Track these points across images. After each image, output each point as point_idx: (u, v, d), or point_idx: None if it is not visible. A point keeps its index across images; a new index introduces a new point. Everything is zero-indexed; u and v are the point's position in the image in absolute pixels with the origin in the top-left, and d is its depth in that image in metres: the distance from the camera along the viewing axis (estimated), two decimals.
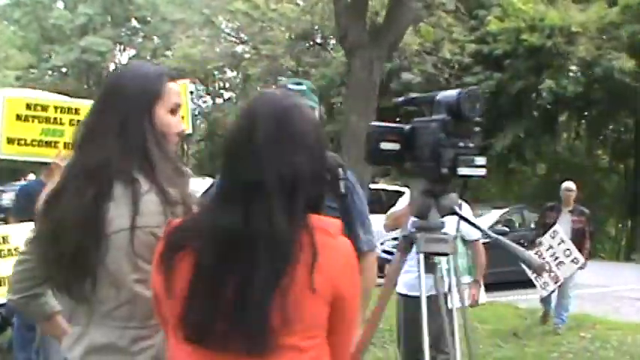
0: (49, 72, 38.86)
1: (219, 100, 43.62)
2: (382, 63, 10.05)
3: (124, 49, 42.90)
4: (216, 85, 42.85)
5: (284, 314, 1.72)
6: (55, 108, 5.64)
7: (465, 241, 6.35)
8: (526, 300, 11.50)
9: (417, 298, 6.38)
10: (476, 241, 6.44)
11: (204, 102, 43.84)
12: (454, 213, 2.40)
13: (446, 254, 2.41)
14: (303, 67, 27.85)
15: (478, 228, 3.03)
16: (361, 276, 2.95)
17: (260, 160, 1.83)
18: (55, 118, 5.60)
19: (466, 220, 2.61)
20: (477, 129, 2.29)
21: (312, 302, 1.77)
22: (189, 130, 6.79)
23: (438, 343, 6.21)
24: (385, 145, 2.31)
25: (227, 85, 43.14)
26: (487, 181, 30.56)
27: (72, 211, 2.10)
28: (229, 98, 42.85)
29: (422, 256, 2.37)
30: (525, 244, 9.69)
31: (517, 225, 15.86)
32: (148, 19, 39.32)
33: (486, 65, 22.12)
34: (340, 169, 3.31)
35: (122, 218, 2.08)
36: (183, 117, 7.12)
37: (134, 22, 41.57)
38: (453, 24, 21.02)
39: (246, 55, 31.19)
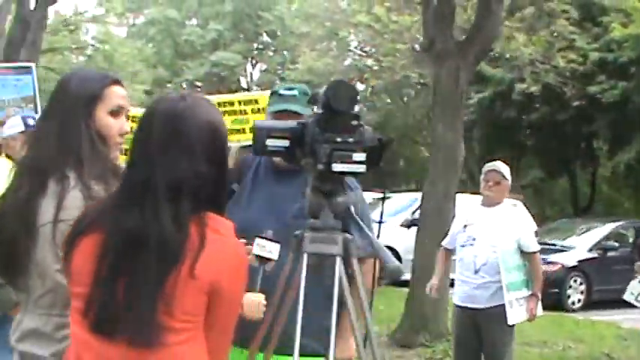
0: (183, 86, 40.21)
1: None
2: (469, 73, 9.83)
3: (255, 63, 43.94)
4: None
5: (168, 307, 1.84)
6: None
7: (522, 253, 6.12)
8: (632, 320, 10.90)
9: (472, 310, 6.22)
10: (534, 253, 6.19)
11: None
12: (348, 214, 2.30)
13: (332, 255, 2.25)
14: (424, 79, 27.62)
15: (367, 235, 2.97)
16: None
17: (150, 161, 1.94)
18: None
19: (356, 220, 2.65)
20: (355, 122, 2.18)
21: (192, 289, 1.86)
22: None
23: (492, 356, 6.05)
24: (271, 142, 2.25)
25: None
26: (619, 194, 29.33)
27: (11, 205, 2.33)
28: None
29: (305, 256, 2.27)
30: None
31: (630, 240, 15.07)
32: (278, 33, 40.03)
33: (610, 74, 21.16)
34: None
35: (48, 212, 2.26)
36: None
37: (264, 37, 42.44)
38: (576, 32, 20.34)
39: (374, 68, 31.37)
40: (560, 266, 13.83)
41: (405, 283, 10.15)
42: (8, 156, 5.46)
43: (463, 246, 6.29)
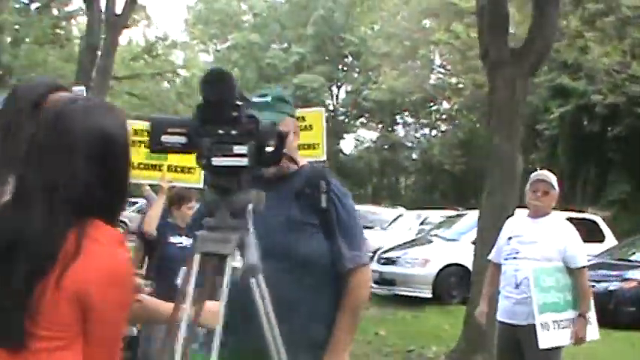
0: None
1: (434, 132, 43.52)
2: (525, 82, 9.47)
3: (340, 85, 44.14)
4: (433, 116, 42.78)
5: (34, 314, 1.77)
6: None
7: (569, 270, 5.71)
8: None
9: (513, 327, 5.85)
10: (580, 269, 5.75)
11: (420, 134, 43.89)
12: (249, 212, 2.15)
13: (224, 255, 2.12)
14: None
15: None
16: (348, 295, 3.05)
17: (30, 163, 1.89)
18: None
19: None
20: (235, 113, 2.03)
21: (58, 299, 1.78)
22: (324, 157, 6.94)
23: None
24: (167, 138, 2.10)
25: (444, 116, 42.91)
26: None
27: None
28: (445, 130, 42.60)
29: (197, 256, 2.12)
30: None
31: None
32: (361, 54, 40.14)
33: None
34: (323, 182, 3.08)
35: None
36: (318, 143, 7.31)
37: (346, 57, 42.59)
38: None
39: (459, 85, 31.09)
40: (637, 283, 13.13)
41: None
42: None
43: (506, 259, 5.97)
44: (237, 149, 2.03)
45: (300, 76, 38.22)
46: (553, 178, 5.87)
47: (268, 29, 42.00)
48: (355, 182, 42.00)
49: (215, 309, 2.95)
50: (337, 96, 45.35)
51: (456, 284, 13.86)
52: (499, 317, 5.96)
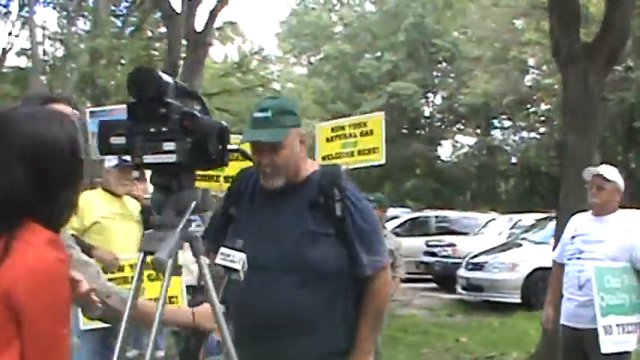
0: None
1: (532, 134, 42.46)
2: (600, 78, 9.11)
3: (435, 91, 43.74)
4: (531, 119, 41.79)
5: None
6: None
7: (637, 271, 5.42)
8: None
9: (576, 330, 5.59)
10: None
11: (518, 137, 42.94)
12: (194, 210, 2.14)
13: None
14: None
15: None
16: (369, 300, 3.06)
17: None
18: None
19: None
20: (164, 110, 2.01)
21: None
22: (383, 161, 6.97)
23: None
24: (115, 140, 2.12)
25: (542, 118, 41.84)
26: None
27: None
28: (544, 133, 41.53)
29: (141, 255, 2.13)
30: None
31: None
32: (454, 58, 39.68)
33: None
34: (337, 190, 3.05)
35: None
36: (378, 148, 7.38)
37: (440, 63, 42.17)
38: None
39: (555, 86, 30.34)
40: None
41: None
42: (105, 189, 5.81)
43: (570, 259, 5.74)
44: (166, 146, 2.02)
45: (394, 84, 38.03)
46: (608, 172, 5.59)
47: (359, 39, 42.09)
48: (454, 188, 41.48)
49: (210, 311, 2.98)
50: (433, 102, 44.99)
51: (545, 289, 13.37)
52: (562, 321, 5.71)
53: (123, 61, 28.57)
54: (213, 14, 16.36)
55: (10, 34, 33.80)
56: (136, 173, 6.06)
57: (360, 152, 7.24)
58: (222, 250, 3.04)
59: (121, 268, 5.34)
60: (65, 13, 30.75)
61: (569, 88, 9.07)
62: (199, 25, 15.80)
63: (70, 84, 24.23)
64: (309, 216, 3.04)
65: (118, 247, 5.49)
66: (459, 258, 15.62)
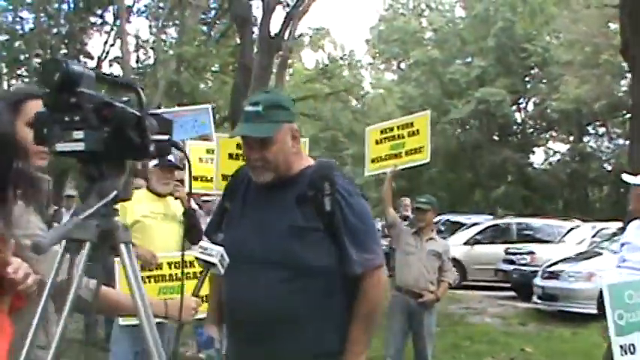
0: (448, 126, 40.27)
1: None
2: None
3: (527, 97, 42.85)
4: (627, 125, 40.44)
5: None
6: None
7: None
8: None
9: None
10: None
11: (613, 144, 41.62)
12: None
13: (81, 240, 2.08)
14: None
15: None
16: (361, 300, 2.96)
17: None
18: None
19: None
20: (74, 100, 2.01)
21: None
22: (428, 159, 6.92)
23: None
24: (45, 130, 2.14)
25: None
26: None
27: None
28: None
29: (64, 242, 2.10)
30: None
31: None
32: (545, 63, 38.79)
33: None
34: (327, 184, 2.98)
35: None
36: (423, 147, 7.33)
37: (532, 69, 41.28)
38: None
39: None
40: None
41: None
42: (149, 189, 5.91)
43: (618, 267, 5.56)
44: (76, 134, 2.02)
45: (483, 89, 37.46)
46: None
47: (449, 44, 41.67)
48: (545, 196, 40.50)
49: (186, 304, 2.92)
50: (524, 108, 44.09)
51: None
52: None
53: (214, 68, 29.25)
54: (287, 20, 16.49)
55: (105, 43, 35.08)
56: (181, 174, 6.11)
57: (407, 152, 7.19)
58: (201, 243, 3.07)
59: (159, 266, 5.41)
60: (156, 22, 31.55)
61: (636, 90, 8.69)
62: (275, 30, 15.95)
63: (159, 90, 24.82)
64: (298, 210, 2.97)
65: (158, 246, 5.54)
66: (537, 266, 15.18)
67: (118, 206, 2.16)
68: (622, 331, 4.82)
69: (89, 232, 2.08)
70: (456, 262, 19.60)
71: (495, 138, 42.62)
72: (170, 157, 5.95)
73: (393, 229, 7.48)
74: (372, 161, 7.34)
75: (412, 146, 7.18)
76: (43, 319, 2.28)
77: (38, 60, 33.24)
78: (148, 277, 5.38)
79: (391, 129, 7.36)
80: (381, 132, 7.38)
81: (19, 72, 33.84)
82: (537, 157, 44.75)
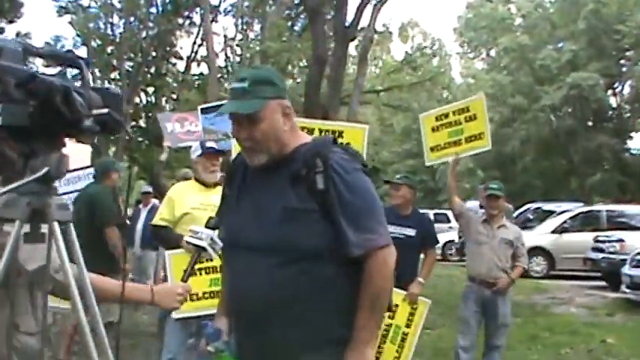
0: (540, 113, 39.34)
1: None
2: None
3: (623, 81, 41.41)
4: None
5: None
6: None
7: None
8: None
9: None
10: None
11: None
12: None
13: (9, 220, 2.09)
14: None
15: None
16: (364, 284, 2.76)
17: None
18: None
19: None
20: None
21: None
22: (489, 146, 6.84)
23: None
24: None
25: None
26: None
27: None
28: None
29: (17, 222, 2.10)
30: None
31: None
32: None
33: None
34: (319, 161, 2.77)
35: None
36: (483, 133, 7.25)
37: (628, 51, 39.80)
38: None
39: None
40: None
41: None
42: (197, 180, 5.98)
43: None
44: None
45: (574, 74, 36.34)
46: None
47: (538, 29, 40.64)
48: None
49: (172, 290, 2.95)
50: (620, 92, 42.63)
51: None
52: None
53: (301, 64, 29.46)
54: (361, 9, 16.46)
55: (194, 43, 35.86)
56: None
57: (467, 139, 7.04)
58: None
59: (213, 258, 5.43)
60: (241, 19, 32.03)
61: None
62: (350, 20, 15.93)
63: None
64: (292, 191, 2.79)
65: None
66: (627, 254, 14.70)
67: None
68: None
69: (19, 211, 2.04)
70: (544, 251, 19.26)
71: (590, 124, 41.33)
72: (211, 144, 6.01)
73: (462, 218, 7.35)
74: (432, 150, 7.19)
75: (471, 132, 7.03)
76: (29, 305, 2.34)
77: (130, 63, 34.30)
78: (199, 269, 5.39)
79: (446, 115, 7.19)
80: (436, 119, 7.21)
81: (112, 76, 34.79)
82: (634, 143, 43.32)
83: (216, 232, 3.04)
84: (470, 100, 7.47)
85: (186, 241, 3.06)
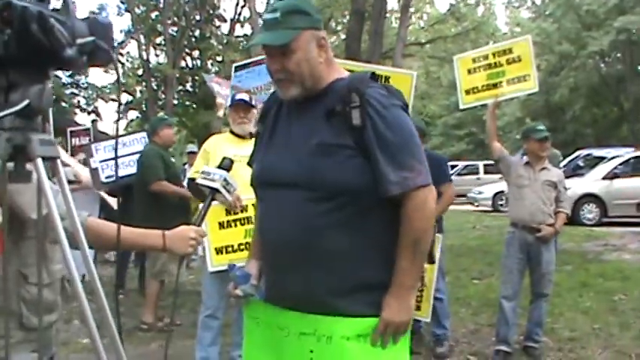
0: (588, 60, 38.61)
1: None
2: None
3: None
4: None
5: None
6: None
7: None
8: None
9: None
10: None
11: None
12: None
13: None
14: None
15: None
16: (403, 226, 2.64)
17: None
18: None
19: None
20: None
21: None
22: (536, 88, 6.79)
23: None
24: None
25: None
26: None
27: None
28: None
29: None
30: None
31: None
32: None
33: None
34: (355, 95, 2.65)
35: None
36: (529, 74, 7.11)
37: None
38: None
39: None
40: None
41: None
42: (232, 132, 5.98)
43: None
44: None
45: (622, 18, 35.40)
46: None
47: None
48: None
49: (185, 235, 2.82)
50: None
51: None
52: None
53: (344, 20, 29.27)
54: None
55: (237, 5, 35.86)
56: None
57: (509, 82, 6.85)
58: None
59: (245, 209, 5.36)
60: None
61: None
62: None
63: None
64: (327, 126, 2.67)
65: (243, 190, 5.59)
66: None
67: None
68: None
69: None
70: (595, 197, 19.06)
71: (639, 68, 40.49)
72: (242, 96, 5.95)
73: (502, 162, 7.02)
74: (467, 93, 7.00)
75: (514, 74, 6.84)
76: (42, 257, 2.29)
77: (174, 28, 34.47)
78: (234, 220, 5.40)
79: (485, 57, 6.99)
80: (474, 60, 7.05)
81: (157, 41, 35.01)
82: None
83: (229, 173, 3.00)
84: (513, 42, 7.24)
85: (198, 184, 3.01)
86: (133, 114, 38.23)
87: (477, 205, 26.73)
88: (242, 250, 5.37)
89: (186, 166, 12.82)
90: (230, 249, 5.41)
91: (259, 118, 3.08)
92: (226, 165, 3.02)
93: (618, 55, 39.71)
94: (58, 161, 2.11)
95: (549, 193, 6.77)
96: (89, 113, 34.39)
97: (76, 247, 2.10)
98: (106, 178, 9.29)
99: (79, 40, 1.95)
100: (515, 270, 6.77)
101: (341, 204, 2.62)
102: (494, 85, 6.92)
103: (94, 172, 9.29)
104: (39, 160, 1.97)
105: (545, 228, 6.70)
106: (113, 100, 35.96)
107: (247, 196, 5.01)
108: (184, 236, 2.79)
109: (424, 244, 2.68)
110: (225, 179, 2.93)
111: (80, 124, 18.33)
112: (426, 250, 2.71)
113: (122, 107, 37.17)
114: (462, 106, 7.28)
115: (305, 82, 2.71)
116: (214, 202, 3.04)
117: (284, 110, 2.88)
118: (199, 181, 2.96)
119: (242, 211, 5.40)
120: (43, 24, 1.87)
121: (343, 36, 29.61)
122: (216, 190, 2.94)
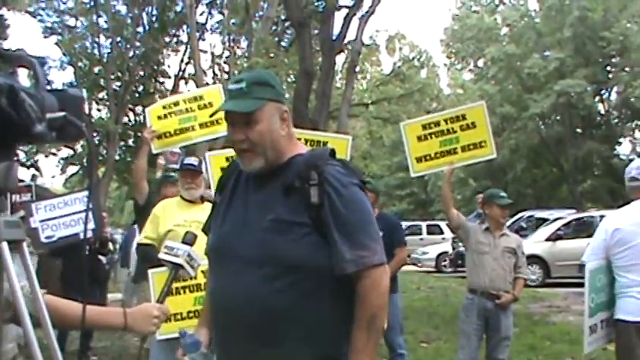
0: (529, 121, 39.44)
1: None
2: None
3: (609, 87, 41.52)
4: None
5: None
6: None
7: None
8: None
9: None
10: None
11: None
12: None
13: None
14: None
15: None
16: (358, 305, 2.61)
17: None
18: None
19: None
20: None
21: None
22: (494, 155, 6.67)
23: None
24: None
25: None
26: None
27: None
28: None
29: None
30: None
31: None
32: (625, 50, 37.48)
33: None
34: (314, 173, 2.65)
35: None
36: (485, 141, 6.99)
37: (613, 57, 39.93)
38: None
39: None
40: None
41: None
42: (182, 197, 5.89)
43: None
44: None
45: (562, 82, 36.40)
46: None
47: (524, 38, 40.70)
48: None
49: (147, 313, 2.68)
50: (608, 98, 42.75)
51: None
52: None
53: (289, 79, 29.47)
54: (347, 22, 16.46)
55: (181, 61, 35.88)
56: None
57: (463, 148, 6.66)
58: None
59: (194, 276, 5.26)
60: (228, 36, 32.02)
61: None
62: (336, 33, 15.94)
63: None
64: (282, 202, 2.67)
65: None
66: None
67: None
68: (591, 312, 5.11)
69: None
70: (539, 259, 19.21)
71: (579, 131, 41.45)
72: (191, 160, 5.89)
73: (461, 229, 6.97)
74: (418, 160, 6.76)
75: (469, 141, 6.67)
76: None
77: (117, 83, 34.23)
78: (183, 287, 5.25)
79: (437, 123, 6.75)
80: (424, 127, 6.78)
81: (99, 96, 34.72)
82: (624, 148, 43.43)
83: (193, 248, 2.89)
84: (467, 108, 7.12)
85: (161, 259, 2.88)
86: (72, 169, 37.72)
87: (421, 266, 26.78)
88: (191, 317, 5.20)
89: (135, 226, 12.44)
90: (179, 316, 5.23)
91: (217, 188, 3.07)
92: (189, 239, 2.89)
93: (558, 117, 40.62)
94: (24, 244, 2.01)
95: (509, 260, 6.77)
96: (28, 168, 33.70)
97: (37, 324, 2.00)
98: (46, 238, 8.96)
99: (49, 115, 1.87)
100: (472, 336, 6.74)
101: (296, 281, 2.61)
102: (448, 152, 6.72)
103: (34, 231, 8.94)
104: (4, 244, 1.88)
105: (504, 295, 6.67)
106: (53, 154, 35.45)
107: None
108: (147, 314, 2.67)
109: (379, 321, 2.65)
110: (189, 254, 2.81)
111: (20, 180, 17.78)
112: (381, 327, 2.68)
113: (62, 162, 36.84)
114: (413, 175, 7.09)
115: (267, 153, 2.72)
116: (163, 269, 3.01)
117: (242, 181, 2.88)
118: (162, 256, 2.84)
119: (191, 278, 5.19)
120: (14, 98, 1.79)
121: (287, 95, 29.76)
122: (180, 266, 2.81)
